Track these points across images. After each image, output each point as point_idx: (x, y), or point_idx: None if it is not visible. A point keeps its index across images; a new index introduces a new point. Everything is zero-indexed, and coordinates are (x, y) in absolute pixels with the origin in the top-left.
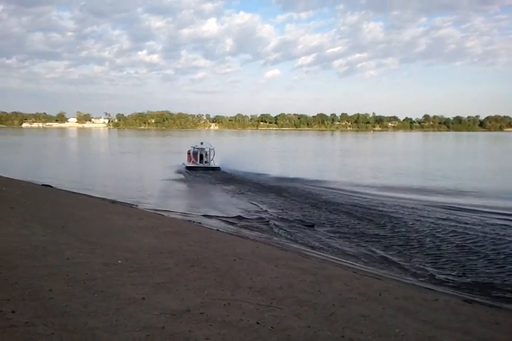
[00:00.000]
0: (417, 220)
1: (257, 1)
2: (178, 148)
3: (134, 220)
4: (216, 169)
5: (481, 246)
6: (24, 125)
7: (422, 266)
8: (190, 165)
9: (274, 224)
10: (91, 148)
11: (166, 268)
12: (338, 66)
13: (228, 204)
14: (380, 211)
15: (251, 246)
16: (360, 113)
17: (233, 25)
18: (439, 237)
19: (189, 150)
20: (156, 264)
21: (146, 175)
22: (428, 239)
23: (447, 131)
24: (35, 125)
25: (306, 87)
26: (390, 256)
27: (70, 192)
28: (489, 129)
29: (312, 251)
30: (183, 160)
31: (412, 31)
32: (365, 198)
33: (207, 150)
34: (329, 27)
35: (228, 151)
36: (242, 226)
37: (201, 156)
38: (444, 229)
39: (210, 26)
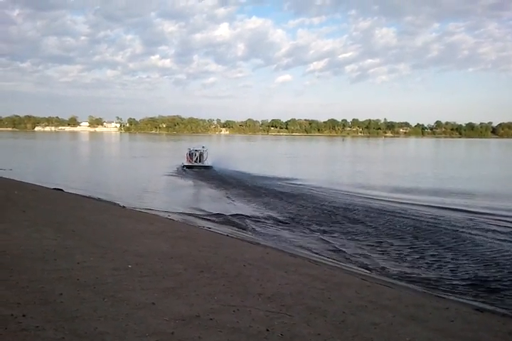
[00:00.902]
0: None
1: (270, 6)
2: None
3: (144, 225)
4: (208, 167)
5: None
6: (37, 129)
7: (433, 275)
8: (187, 164)
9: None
10: (103, 152)
11: (175, 273)
12: (350, 71)
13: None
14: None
15: (260, 251)
16: (372, 119)
17: (245, 30)
18: (461, 250)
19: (187, 152)
20: (166, 269)
21: (148, 177)
22: (449, 253)
23: (459, 137)
24: (47, 129)
25: (317, 93)
26: (401, 265)
27: (81, 195)
28: (502, 136)
29: (322, 257)
30: (183, 161)
31: (424, 37)
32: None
33: (202, 151)
34: (341, 32)
35: (231, 155)
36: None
37: (196, 156)
38: (466, 239)
39: (223, 31)
